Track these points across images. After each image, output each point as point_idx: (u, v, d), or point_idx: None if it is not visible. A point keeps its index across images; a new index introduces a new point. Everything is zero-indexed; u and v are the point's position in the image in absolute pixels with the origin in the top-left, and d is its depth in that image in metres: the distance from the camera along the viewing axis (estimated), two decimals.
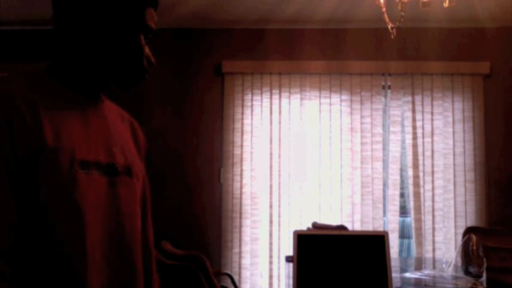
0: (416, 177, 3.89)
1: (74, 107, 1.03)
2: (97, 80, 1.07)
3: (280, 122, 3.96)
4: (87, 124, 1.04)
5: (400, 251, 4.54)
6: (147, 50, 1.08)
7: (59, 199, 0.94)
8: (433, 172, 3.88)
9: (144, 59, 1.06)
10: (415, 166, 3.90)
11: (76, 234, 0.95)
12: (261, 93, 3.99)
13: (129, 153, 1.13)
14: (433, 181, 3.88)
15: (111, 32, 1.02)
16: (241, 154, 3.94)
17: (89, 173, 0.99)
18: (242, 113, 3.98)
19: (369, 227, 3.85)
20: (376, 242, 1.98)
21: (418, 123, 3.93)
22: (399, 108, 3.97)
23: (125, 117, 1.22)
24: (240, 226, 3.90)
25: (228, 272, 3.62)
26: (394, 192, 3.93)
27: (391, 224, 3.91)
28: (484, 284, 2.28)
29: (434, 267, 2.91)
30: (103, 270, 1.00)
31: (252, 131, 3.97)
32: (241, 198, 3.91)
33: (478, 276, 2.38)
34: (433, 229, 3.85)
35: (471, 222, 3.82)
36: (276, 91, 3.99)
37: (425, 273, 2.61)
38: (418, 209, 3.87)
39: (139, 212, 1.14)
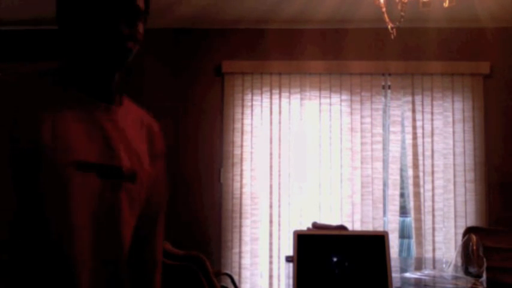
0: (416, 177, 3.89)
1: (80, 108, 1.02)
2: (96, 77, 1.05)
3: (280, 122, 3.96)
4: (91, 126, 1.02)
5: (400, 251, 4.53)
6: (127, 30, 1.02)
7: (53, 199, 0.94)
8: (433, 172, 3.88)
9: (125, 42, 1.01)
10: (415, 166, 3.90)
11: (66, 234, 0.95)
12: (261, 93, 3.99)
13: (137, 159, 1.11)
14: (433, 181, 3.88)
15: (95, 22, 1.00)
16: (241, 154, 3.94)
17: (86, 175, 0.98)
18: (242, 113, 3.98)
19: (369, 227, 3.85)
20: (376, 242, 1.98)
21: (418, 123, 3.93)
22: (399, 108, 3.97)
23: (144, 122, 1.19)
24: (240, 226, 3.90)
25: (228, 272, 3.62)
26: (394, 192, 3.92)
27: (391, 224, 3.91)
28: (484, 284, 2.28)
29: (434, 267, 2.91)
30: (93, 272, 1.00)
31: (252, 131, 3.97)
32: (241, 198, 3.91)
33: (478, 276, 2.38)
34: (433, 229, 3.85)
35: (471, 222, 3.82)
36: (276, 91, 3.99)
37: (425, 273, 2.60)
38: (418, 209, 3.87)
39: (134, 219, 1.11)
